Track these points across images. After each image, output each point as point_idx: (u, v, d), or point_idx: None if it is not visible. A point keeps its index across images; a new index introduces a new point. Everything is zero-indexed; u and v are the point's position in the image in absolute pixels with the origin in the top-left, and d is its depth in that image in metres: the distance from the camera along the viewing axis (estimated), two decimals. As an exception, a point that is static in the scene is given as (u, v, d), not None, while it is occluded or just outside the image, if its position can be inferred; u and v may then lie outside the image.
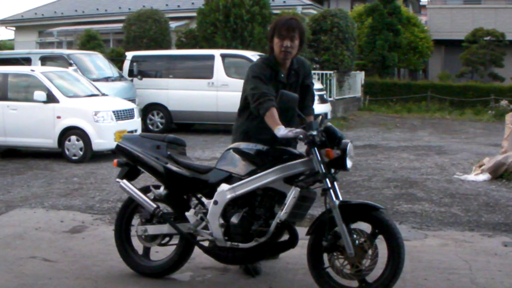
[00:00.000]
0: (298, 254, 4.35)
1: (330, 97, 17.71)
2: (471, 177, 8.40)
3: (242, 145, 4.07)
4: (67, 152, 9.95)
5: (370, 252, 3.75)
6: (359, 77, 22.37)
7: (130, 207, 4.45)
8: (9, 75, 10.48)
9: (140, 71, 14.57)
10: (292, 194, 3.78)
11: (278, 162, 3.87)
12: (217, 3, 16.89)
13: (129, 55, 15.13)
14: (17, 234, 5.46)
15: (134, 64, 14.68)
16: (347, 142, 3.77)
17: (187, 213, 4.15)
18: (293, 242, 3.99)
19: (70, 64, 12.91)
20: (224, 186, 3.96)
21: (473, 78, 26.49)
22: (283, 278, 4.33)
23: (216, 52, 14.13)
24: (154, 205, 4.24)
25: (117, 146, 4.42)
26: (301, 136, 3.70)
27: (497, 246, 5.22)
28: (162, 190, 4.26)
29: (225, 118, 12.93)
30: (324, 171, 3.71)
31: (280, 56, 4.04)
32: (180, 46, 18.51)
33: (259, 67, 4.04)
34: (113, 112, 10.19)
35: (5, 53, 15.89)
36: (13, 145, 10.57)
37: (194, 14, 18.90)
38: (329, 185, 3.73)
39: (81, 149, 9.89)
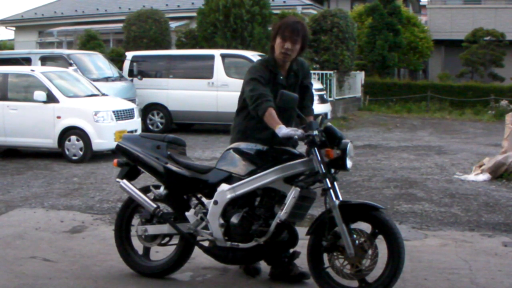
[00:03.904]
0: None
1: (330, 97, 17.70)
2: (471, 177, 8.40)
3: (242, 145, 4.07)
4: (67, 152, 9.95)
5: (370, 252, 3.76)
6: (359, 77, 22.35)
7: (130, 207, 4.45)
8: (9, 75, 10.47)
9: (140, 71, 14.56)
10: (292, 194, 3.78)
11: (278, 162, 3.87)
12: (217, 3, 16.90)
13: (129, 55, 15.12)
14: (17, 234, 5.46)
15: (134, 64, 14.68)
16: (347, 142, 3.77)
17: (187, 213, 4.15)
18: (293, 242, 4.00)
19: (70, 64, 12.90)
20: (224, 186, 3.96)
21: (473, 78, 26.46)
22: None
23: (216, 52, 14.13)
24: (154, 205, 4.25)
25: (117, 146, 4.43)
26: (302, 136, 3.70)
27: (497, 246, 5.22)
28: (162, 190, 4.26)
29: (225, 118, 12.91)
30: (324, 171, 3.72)
31: (279, 57, 4.04)
32: (180, 46, 18.51)
33: (258, 69, 4.04)
34: (113, 112, 10.19)
35: (5, 53, 15.88)
36: (13, 145, 10.57)
37: (194, 14, 18.92)
38: (329, 185, 3.73)
39: (81, 149, 9.89)
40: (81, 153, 9.89)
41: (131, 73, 14.56)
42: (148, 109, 14.22)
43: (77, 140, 9.90)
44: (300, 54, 4.11)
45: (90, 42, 18.02)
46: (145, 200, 4.27)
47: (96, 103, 10.34)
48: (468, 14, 29.98)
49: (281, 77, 4.08)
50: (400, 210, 6.57)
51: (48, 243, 5.21)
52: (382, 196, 7.22)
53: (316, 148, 3.73)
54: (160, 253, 4.52)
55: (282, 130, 3.70)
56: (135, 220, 4.45)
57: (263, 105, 3.83)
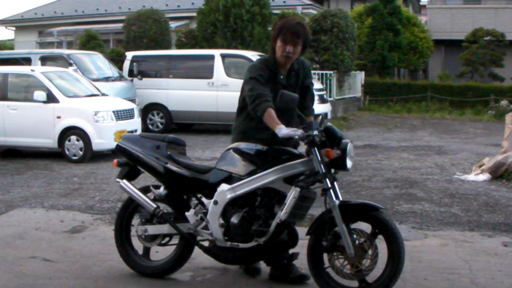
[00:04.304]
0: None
1: (330, 97, 17.70)
2: (471, 177, 8.40)
3: (242, 145, 4.07)
4: (67, 152, 9.95)
5: (370, 252, 3.75)
6: (359, 77, 22.36)
7: (130, 207, 4.45)
8: (9, 75, 10.47)
9: (140, 71, 14.56)
10: (292, 194, 3.78)
11: (278, 162, 3.87)
12: (217, 3, 16.90)
13: (129, 55, 15.13)
14: (17, 234, 5.46)
15: (134, 64, 14.68)
16: (347, 142, 3.77)
17: (187, 213, 4.15)
18: (293, 242, 4.00)
19: (70, 64, 12.91)
20: (224, 186, 3.96)
21: (473, 78, 26.47)
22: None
23: (216, 52, 14.14)
24: (154, 205, 4.24)
25: (117, 146, 4.42)
26: (302, 136, 3.70)
27: (497, 246, 5.22)
28: (162, 190, 4.26)
29: (225, 118, 12.93)
30: (324, 171, 3.71)
31: (281, 59, 4.04)
32: (180, 46, 18.51)
33: (257, 68, 4.03)
34: (113, 112, 10.19)
35: (5, 53, 15.88)
36: (13, 145, 10.57)
37: (194, 14, 18.93)
38: (329, 185, 3.73)
39: (81, 149, 9.89)
40: (81, 153, 9.89)
41: (131, 73, 14.56)
42: (148, 109, 14.23)
43: (77, 140, 9.90)
44: (302, 54, 4.10)
45: (90, 42, 18.03)
46: (145, 200, 4.27)
47: (96, 103, 10.34)
48: (468, 14, 29.98)
49: (281, 76, 4.07)
50: (400, 210, 6.57)
51: (48, 243, 5.21)
52: (382, 196, 7.22)
53: (316, 148, 3.73)
54: (160, 253, 4.52)
55: (282, 130, 3.69)
56: (135, 220, 4.45)
57: (262, 105, 3.82)
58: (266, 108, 3.80)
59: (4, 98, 10.25)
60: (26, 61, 13.37)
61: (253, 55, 13.59)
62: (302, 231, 4.03)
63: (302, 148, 3.89)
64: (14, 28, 26.94)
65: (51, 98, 9.98)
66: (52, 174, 8.83)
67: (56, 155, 10.27)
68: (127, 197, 4.43)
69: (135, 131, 10.49)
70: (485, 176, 8.28)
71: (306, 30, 4.05)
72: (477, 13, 29.70)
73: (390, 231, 3.70)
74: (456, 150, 11.75)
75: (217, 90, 13.66)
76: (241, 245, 3.93)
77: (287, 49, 3.97)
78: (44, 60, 13.63)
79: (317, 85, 14.82)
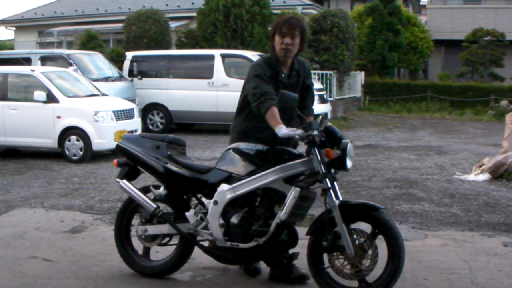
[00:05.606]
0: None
1: (330, 97, 17.70)
2: (471, 177, 8.40)
3: (242, 145, 4.07)
4: (67, 152, 9.95)
5: (370, 252, 3.75)
6: (359, 77, 22.36)
7: (130, 207, 4.45)
8: (9, 75, 10.47)
9: (140, 71, 14.57)
10: (292, 194, 3.78)
11: (278, 162, 3.87)
12: (217, 3, 16.90)
13: (129, 55, 15.13)
14: (17, 234, 5.47)
15: (134, 64, 14.69)
16: (347, 142, 3.77)
17: (187, 213, 4.15)
18: (293, 242, 4.00)
19: (70, 64, 12.91)
20: (224, 186, 3.96)
21: (473, 78, 26.47)
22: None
23: (216, 52, 14.14)
24: (154, 205, 4.24)
25: (117, 146, 4.43)
26: (302, 136, 3.70)
27: (497, 246, 5.22)
28: (162, 190, 4.26)
29: (225, 118, 12.92)
30: (324, 171, 3.71)
31: (280, 53, 4.03)
32: (180, 46, 18.51)
33: (261, 66, 4.03)
34: (113, 112, 10.19)
35: (5, 53, 15.88)
36: (13, 145, 10.57)
37: (194, 14, 18.93)
38: (329, 185, 3.73)
39: (81, 149, 9.89)
40: (81, 153, 9.89)
41: (131, 73, 14.57)
42: (148, 109, 14.23)
43: (77, 140, 9.90)
44: (301, 49, 4.09)
45: (90, 42, 18.02)
46: (145, 200, 4.27)
47: (96, 103, 10.34)
48: (468, 14, 29.98)
49: (283, 75, 4.07)
50: (400, 210, 6.57)
51: (48, 243, 5.21)
52: (382, 196, 7.22)
53: (316, 148, 3.73)
54: (160, 253, 4.52)
55: (282, 130, 3.69)
56: (135, 220, 4.45)
57: (266, 103, 3.82)
58: (270, 106, 3.80)
59: (4, 98, 10.25)
60: (26, 61, 13.37)
61: (253, 55, 13.59)
62: (302, 231, 4.03)
63: (302, 148, 3.89)
64: (14, 28, 26.94)
65: (51, 98, 9.98)
66: (52, 174, 8.83)
67: (56, 155, 10.27)
68: (127, 197, 4.43)
69: (135, 131, 10.49)
70: (485, 176, 8.28)
71: (302, 22, 4.06)
72: (477, 13, 29.70)
73: (390, 231, 3.70)
74: (456, 150, 11.75)
75: (217, 90, 13.66)
76: (241, 245, 3.93)
77: (285, 41, 3.97)
78: (44, 60, 13.62)
79: (317, 85, 14.82)
